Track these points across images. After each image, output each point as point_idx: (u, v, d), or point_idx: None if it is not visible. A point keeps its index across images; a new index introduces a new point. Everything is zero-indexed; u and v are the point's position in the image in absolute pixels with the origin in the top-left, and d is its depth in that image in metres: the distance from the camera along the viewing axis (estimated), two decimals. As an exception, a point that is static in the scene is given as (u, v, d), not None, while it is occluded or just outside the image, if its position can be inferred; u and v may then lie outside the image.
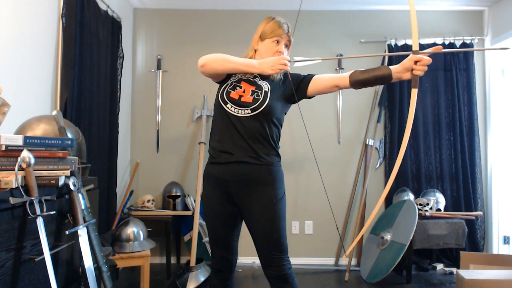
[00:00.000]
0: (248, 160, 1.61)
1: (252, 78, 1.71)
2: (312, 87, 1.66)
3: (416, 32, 1.40)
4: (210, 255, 1.80)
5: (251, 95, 1.64)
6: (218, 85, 1.80)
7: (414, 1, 1.42)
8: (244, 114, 1.61)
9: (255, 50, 1.76)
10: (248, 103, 1.62)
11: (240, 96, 1.64)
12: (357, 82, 1.54)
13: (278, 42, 1.71)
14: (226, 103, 1.64)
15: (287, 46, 1.75)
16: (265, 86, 1.68)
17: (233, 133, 1.62)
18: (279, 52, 1.70)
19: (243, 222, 1.74)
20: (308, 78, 1.68)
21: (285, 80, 1.74)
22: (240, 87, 1.67)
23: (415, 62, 1.40)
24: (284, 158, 1.84)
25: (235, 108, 1.62)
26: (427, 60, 1.39)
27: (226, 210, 1.68)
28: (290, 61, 1.58)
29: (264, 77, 1.71)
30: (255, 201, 1.62)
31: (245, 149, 1.61)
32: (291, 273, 1.63)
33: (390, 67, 1.49)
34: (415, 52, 1.40)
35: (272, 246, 1.61)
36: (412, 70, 1.41)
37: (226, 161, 1.62)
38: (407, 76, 1.44)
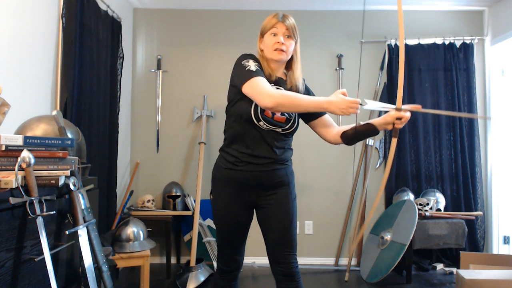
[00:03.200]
0: (275, 167, 1.68)
1: None
2: (315, 122, 1.77)
3: (401, 90, 1.55)
4: (216, 256, 1.81)
5: (282, 114, 1.66)
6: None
7: (404, 43, 1.58)
8: (274, 129, 1.66)
9: (262, 50, 1.74)
10: (281, 122, 1.66)
11: (273, 114, 1.64)
12: (348, 137, 1.66)
13: (275, 34, 1.68)
14: (259, 121, 1.64)
15: (289, 37, 1.68)
16: None
17: (261, 143, 1.65)
18: (278, 42, 1.65)
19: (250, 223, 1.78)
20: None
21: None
22: None
23: (397, 118, 1.52)
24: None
25: (267, 126, 1.64)
26: (407, 117, 1.53)
27: (244, 214, 1.72)
28: (361, 105, 1.55)
29: (288, 90, 1.70)
30: (274, 200, 1.69)
31: (272, 157, 1.66)
32: (298, 272, 1.68)
33: (374, 121, 1.60)
34: (397, 109, 1.52)
35: (285, 243, 1.66)
36: (394, 123, 1.54)
37: (253, 170, 1.65)
38: (389, 127, 1.57)
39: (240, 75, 1.63)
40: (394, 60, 3.54)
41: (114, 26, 3.08)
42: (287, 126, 1.68)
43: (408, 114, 1.52)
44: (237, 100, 1.66)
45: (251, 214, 1.75)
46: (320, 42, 3.63)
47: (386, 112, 1.59)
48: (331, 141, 1.76)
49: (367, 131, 1.62)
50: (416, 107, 1.54)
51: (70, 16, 2.39)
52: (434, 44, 3.56)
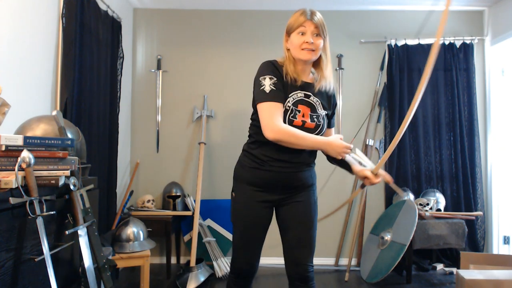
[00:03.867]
0: (301, 169, 1.68)
1: (306, 98, 1.65)
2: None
3: (386, 158, 1.62)
4: (231, 260, 1.78)
5: (312, 121, 1.63)
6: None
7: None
8: None
9: (288, 49, 1.66)
10: (311, 129, 1.63)
11: (303, 122, 1.61)
12: (331, 158, 1.75)
13: (303, 33, 1.60)
14: None
15: (318, 35, 1.62)
16: (321, 110, 1.68)
17: (291, 148, 1.61)
18: (306, 42, 1.58)
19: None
20: (333, 120, 1.80)
21: (330, 99, 1.74)
22: (299, 111, 1.62)
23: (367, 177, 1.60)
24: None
25: None
26: (375, 182, 1.60)
27: (265, 214, 1.69)
28: (351, 150, 1.63)
29: (316, 94, 1.67)
30: (296, 200, 1.69)
31: (300, 161, 1.66)
32: (313, 277, 1.67)
33: (353, 166, 1.67)
34: (373, 172, 1.61)
35: (304, 243, 1.67)
36: (365, 179, 1.62)
37: (279, 171, 1.64)
38: (360, 178, 1.66)
39: (256, 92, 1.61)
40: (394, 60, 3.54)
41: (114, 26, 3.08)
42: (316, 132, 1.66)
43: (377, 180, 1.60)
44: None
45: (271, 214, 1.72)
46: (320, 42, 3.63)
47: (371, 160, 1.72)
48: None
49: (345, 166, 1.72)
50: (389, 180, 1.63)
51: (70, 16, 2.39)
52: (434, 44, 3.55)
